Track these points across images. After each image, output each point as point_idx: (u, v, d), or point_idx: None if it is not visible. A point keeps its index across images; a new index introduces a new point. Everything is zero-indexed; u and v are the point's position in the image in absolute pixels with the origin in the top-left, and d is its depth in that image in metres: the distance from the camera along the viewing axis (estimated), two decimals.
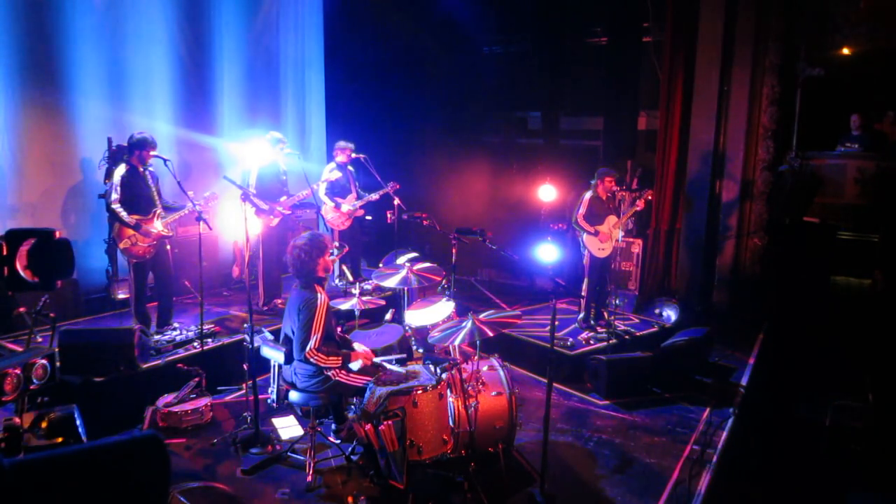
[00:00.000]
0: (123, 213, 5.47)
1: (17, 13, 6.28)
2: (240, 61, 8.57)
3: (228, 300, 7.32)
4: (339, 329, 4.80)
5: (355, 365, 4.22)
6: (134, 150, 5.54)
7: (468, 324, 4.14)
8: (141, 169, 5.61)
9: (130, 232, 5.51)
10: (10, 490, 1.79)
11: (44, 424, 3.38)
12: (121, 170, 5.55)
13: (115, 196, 5.48)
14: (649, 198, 6.76)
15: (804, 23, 8.01)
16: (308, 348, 4.02)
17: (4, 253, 2.66)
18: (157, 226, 5.61)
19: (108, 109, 7.03)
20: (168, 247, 5.84)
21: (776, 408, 6.08)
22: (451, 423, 4.07)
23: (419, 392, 3.87)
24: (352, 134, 8.12)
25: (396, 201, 7.11)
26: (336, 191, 7.32)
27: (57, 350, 3.34)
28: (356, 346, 4.42)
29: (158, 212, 5.64)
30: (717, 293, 8.20)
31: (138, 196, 5.58)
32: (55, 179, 6.73)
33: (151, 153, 5.55)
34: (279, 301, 6.78)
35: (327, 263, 4.26)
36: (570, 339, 6.46)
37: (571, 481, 4.35)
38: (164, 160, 5.47)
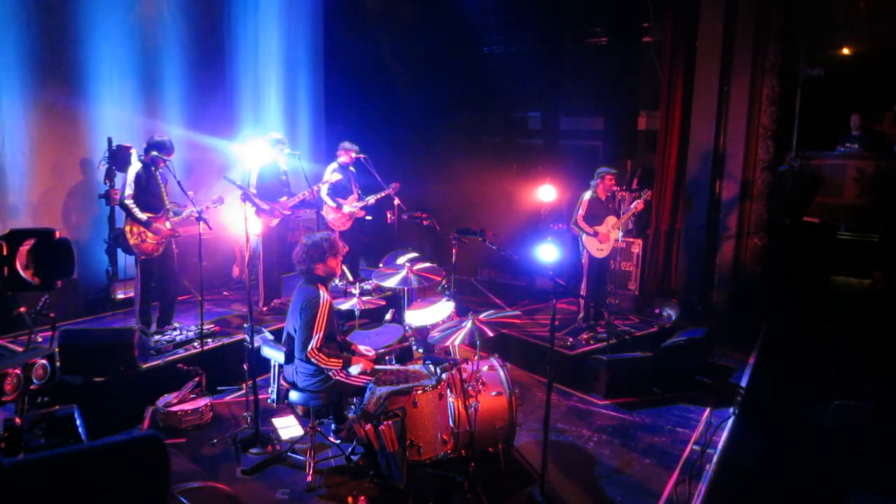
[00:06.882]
0: (136, 210, 5.49)
1: (20, 15, 6.28)
2: (240, 61, 8.58)
3: (228, 300, 7.32)
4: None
5: (355, 369, 4.22)
6: (150, 151, 5.56)
7: (468, 324, 4.15)
8: (153, 168, 5.63)
9: (139, 229, 5.52)
10: (10, 490, 1.79)
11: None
12: (136, 167, 5.59)
13: (128, 192, 5.51)
14: (648, 198, 6.76)
15: (804, 23, 8.01)
16: (309, 348, 4.02)
17: (5, 253, 2.67)
18: (167, 224, 5.63)
19: (109, 110, 7.04)
20: (174, 247, 5.85)
21: (776, 408, 6.08)
22: (451, 423, 4.07)
23: (419, 392, 3.87)
24: (351, 134, 8.12)
25: (396, 201, 7.12)
26: (338, 191, 7.32)
27: (57, 350, 3.33)
28: (361, 348, 4.43)
29: (168, 211, 5.66)
30: (716, 293, 8.20)
31: (150, 195, 5.59)
32: (56, 180, 6.73)
33: (166, 159, 5.56)
34: (279, 301, 6.78)
35: (331, 268, 4.25)
36: (570, 339, 6.46)
37: (571, 481, 4.34)
38: (165, 161, 5.50)
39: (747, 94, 7.78)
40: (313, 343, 4.03)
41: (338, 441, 4.54)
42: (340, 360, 4.14)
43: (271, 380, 4.87)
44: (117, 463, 2.04)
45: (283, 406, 4.94)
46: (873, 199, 7.94)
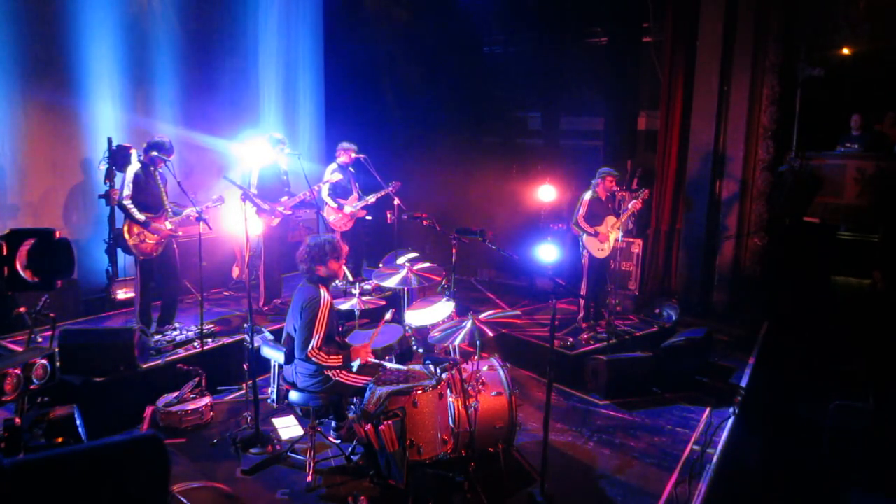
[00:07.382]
0: (134, 210, 5.48)
1: (19, 15, 6.29)
2: (240, 61, 8.58)
3: (228, 300, 7.33)
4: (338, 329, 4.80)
5: (356, 363, 4.22)
6: (150, 151, 5.56)
7: (468, 324, 4.15)
8: (152, 168, 5.63)
9: (137, 229, 5.51)
10: (10, 490, 1.79)
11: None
12: (134, 167, 5.58)
13: (126, 192, 5.50)
14: (646, 197, 6.76)
15: (804, 23, 8.02)
16: (310, 348, 4.03)
17: (5, 253, 2.67)
18: (167, 224, 5.63)
19: (109, 110, 7.05)
20: (175, 246, 5.85)
21: (776, 408, 6.08)
22: (451, 423, 4.07)
23: (419, 392, 3.86)
24: (351, 134, 8.12)
25: (396, 201, 7.12)
26: (338, 192, 7.32)
27: (57, 350, 3.33)
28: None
29: (167, 212, 5.66)
30: (717, 293, 8.20)
31: (149, 195, 5.60)
32: (56, 180, 6.74)
33: (166, 159, 5.56)
34: (279, 301, 6.78)
35: (332, 270, 4.26)
36: (570, 339, 6.46)
37: (571, 481, 4.35)
38: (165, 161, 5.51)
39: (747, 94, 7.78)
40: (314, 343, 4.04)
41: (338, 441, 4.54)
42: (341, 357, 4.14)
43: (271, 380, 4.87)
44: (117, 463, 2.04)
45: (283, 406, 4.94)
46: (873, 199, 7.95)
